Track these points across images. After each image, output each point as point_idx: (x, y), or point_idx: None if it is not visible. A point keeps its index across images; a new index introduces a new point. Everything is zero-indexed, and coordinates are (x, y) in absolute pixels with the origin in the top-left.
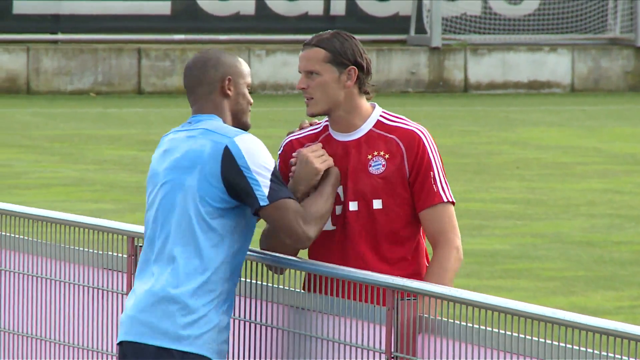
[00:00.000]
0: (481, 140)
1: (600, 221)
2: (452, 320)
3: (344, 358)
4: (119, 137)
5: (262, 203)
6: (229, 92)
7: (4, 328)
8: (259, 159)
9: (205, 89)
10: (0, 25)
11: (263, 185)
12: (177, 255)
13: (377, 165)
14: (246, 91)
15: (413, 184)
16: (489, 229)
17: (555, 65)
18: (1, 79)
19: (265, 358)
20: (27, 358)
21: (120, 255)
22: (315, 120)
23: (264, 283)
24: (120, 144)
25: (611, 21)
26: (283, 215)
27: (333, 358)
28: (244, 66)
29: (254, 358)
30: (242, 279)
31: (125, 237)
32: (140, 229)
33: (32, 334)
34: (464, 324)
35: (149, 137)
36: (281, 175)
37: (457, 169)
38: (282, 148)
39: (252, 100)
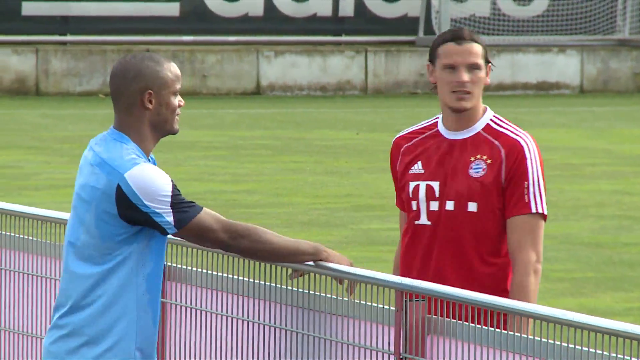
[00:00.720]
0: None
1: (609, 222)
2: (460, 322)
3: (353, 359)
4: None
5: (170, 232)
6: (149, 105)
7: (10, 328)
8: (153, 192)
9: (125, 101)
10: (8, 27)
11: (166, 215)
12: (86, 291)
13: (478, 168)
14: (171, 99)
15: (505, 191)
16: None
17: (564, 67)
18: (10, 80)
19: (275, 359)
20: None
21: None
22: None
23: (272, 284)
24: None
25: (620, 22)
26: (199, 234)
27: (342, 359)
28: (169, 73)
29: (264, 359)
30: (251, 280)
31: None
32: None
33: (39, 335)
34: (473, 325)
35: None
36: (392, 174)
37: None
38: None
39: (180, 104)
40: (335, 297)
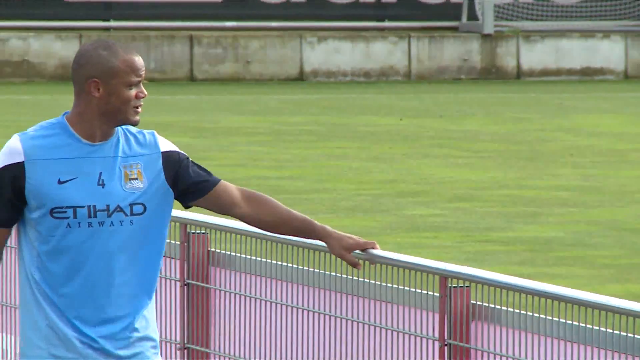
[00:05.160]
0: (534, 127)
1: None
2: (505, 308)
3: (398, 345)
4: (171, 124)
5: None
6: (95, 94)
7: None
8: None
9: (76, 88)
10: (52, 12)
11: None
12: None
13: None
14: (122, 90)
15: None
16: (543, 216)
17: (609, 52)
18: (54, 66)
19: (320, 345)
20: None
21: (173, 242)
22: None
23: (316, 270)
24: (173, 131)
25: None
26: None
27: (387, 345)
28: (120, 64)
29: (307, 345)
30: (294, 266)
31: (178, 223)
32: (180, 215)
33: None
34: (518, 311)
35: (201, 125)
36: None
37: (511, 156)
38: None
39: (139, 95)
40: (380, 283)
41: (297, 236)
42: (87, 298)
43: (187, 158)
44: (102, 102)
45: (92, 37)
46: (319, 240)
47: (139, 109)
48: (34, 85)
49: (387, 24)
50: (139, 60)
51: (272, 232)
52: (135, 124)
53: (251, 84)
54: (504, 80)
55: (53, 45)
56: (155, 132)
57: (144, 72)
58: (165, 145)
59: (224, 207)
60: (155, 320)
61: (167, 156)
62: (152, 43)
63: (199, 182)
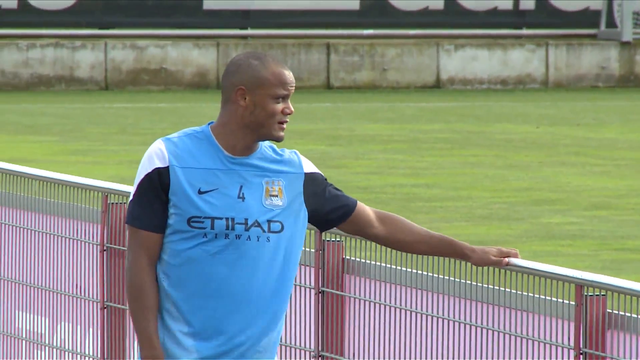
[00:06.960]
0: None
1: None
2: None
3: (533, 353)
4: (308, 131)
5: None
6: (241, 102)
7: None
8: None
9: (224, 96)
10: (190, 21)
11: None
12: None
13: None
14: (268, 102)
15: None
16: None
17: None
18: (191, 73)
19: (453, 352)
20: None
21: (308, 249)
22: None
23: (451, 278)
24: (309, 139)
25: None
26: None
27: (521, 353)
28: (269, 75)
29: (441, 355)
30: (429, 274)
31: (313, 231)
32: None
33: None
34: None
35: (337, 132)
36: None
37: None
38: None
39: (286, 111)
40: (515, 291)
41: (436, 254)
42: (214, 311)
43: (326, 180)
44: (246, 112)
45: (230, 45)
46: (460, 257)
47: (284, 125)
48: (171, 93)
49: (524, 31)
50: (289, 74)
51: (410, 252)
52: (278, 140)
53: (387, 91)
54: None
55: (191, 54)
56: (297, 152)
57: (293, 87)
58: (308, 166)
59: (360, 229)
60: (279, 344)
61: (310, 178)
62: (289, 51)
63: (340, 207)
